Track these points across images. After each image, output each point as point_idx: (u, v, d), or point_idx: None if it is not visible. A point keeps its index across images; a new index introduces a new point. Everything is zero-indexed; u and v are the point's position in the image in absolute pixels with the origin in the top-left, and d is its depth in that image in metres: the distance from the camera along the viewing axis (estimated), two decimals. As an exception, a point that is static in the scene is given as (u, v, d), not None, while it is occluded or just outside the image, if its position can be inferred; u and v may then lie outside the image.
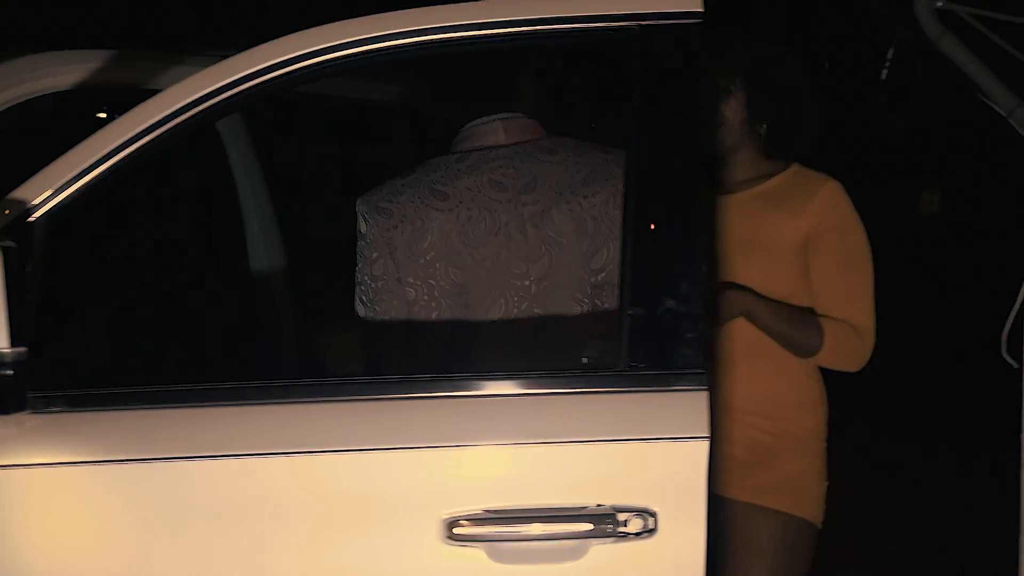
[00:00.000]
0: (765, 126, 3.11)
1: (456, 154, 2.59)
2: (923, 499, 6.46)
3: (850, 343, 3.03)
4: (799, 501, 3.12)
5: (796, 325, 3.01)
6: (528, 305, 2.52)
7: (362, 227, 2.50)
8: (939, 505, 6.39)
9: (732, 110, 3.08)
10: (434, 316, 2.48)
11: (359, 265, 2.52)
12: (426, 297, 2.47)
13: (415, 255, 2.47)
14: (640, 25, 2.18)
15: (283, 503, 2.09)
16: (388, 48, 2.23)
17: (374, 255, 2.50)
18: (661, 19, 2.18)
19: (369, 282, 2.51)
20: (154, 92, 2.23)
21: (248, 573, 2.10)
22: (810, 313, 3.05)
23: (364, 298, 2.52)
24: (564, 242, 2.54)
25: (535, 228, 2.53)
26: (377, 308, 2.50)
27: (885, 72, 4.18)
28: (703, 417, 2.08)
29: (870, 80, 4.28)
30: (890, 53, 4.15)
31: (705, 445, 2.08)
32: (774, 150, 3.14)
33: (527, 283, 2.53)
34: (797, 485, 3.12)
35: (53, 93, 2.58)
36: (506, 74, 2.64)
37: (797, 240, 3.04)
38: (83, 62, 2.65)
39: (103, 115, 2.71)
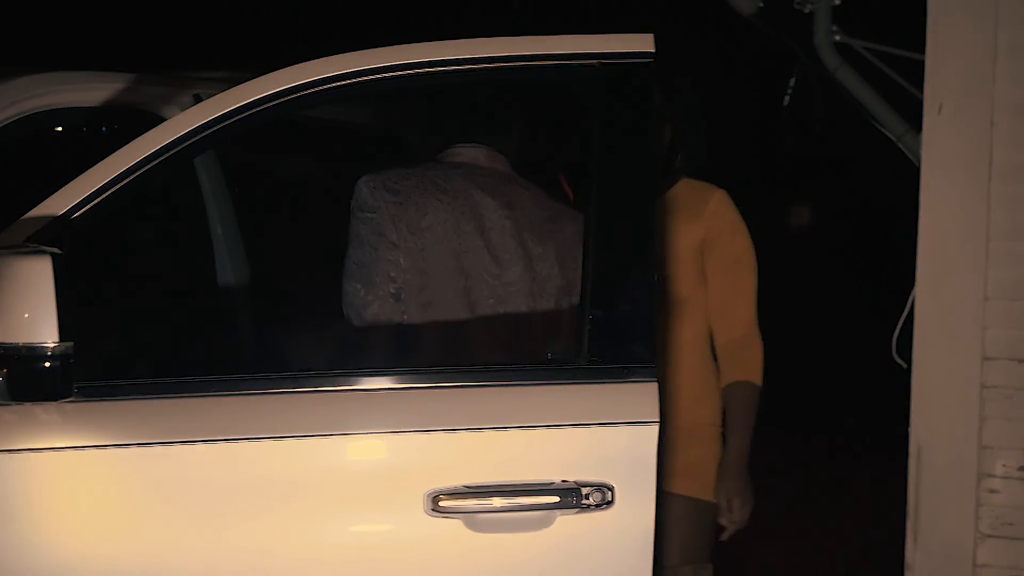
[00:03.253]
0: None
1: (450, 163, 2.93)
2: (819, 487, 6.91)
3: (757, 355, 3.41)
4: (701, 485, 3.44)
5: (752, 411, 3.39)
6: (495, 303, 2.84)
7: (368, 200, 2.78)
8: (834, 492, 6.82)
9: (666, 130, 3.42)
10: (421, 289, 2.79)
11: (358, 234, 2.78)
12: (419, 266, 2.79)
13: (414, 232, 2.78)
14: (601, 63, 2.50)
15: (292, 481, 2.36)
16: (374, 80, 2.51)
17: (375, 222, 2.77)
18: (618, 59, 2.50)
19: (367, 248, 2.77)
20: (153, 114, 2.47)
21: (260, 544, 2.36)
22: (740, 388, 3.40)
23: (357, 262, 2.78)
24: (533, 260, 2.89)
25: (512, 239, 2.86)
26: (371, 271, 2.77)
27: (787, 99, 4.54)
28: (654, 404, 2.40)
29: (773, 107, 4.63)
30: (792, 82, 4.51)
31: (655, 428, 2.40)
32: (680, 169, 3.48)
33: (499, 283, 2.85)
34: (698, 470, 3.43)
35: (55, 109, 2.79)
36: (485, 113, 3.00)
37: (695, 243, 3.40)
38: (90, 82, 2.88)
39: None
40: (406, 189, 2.80)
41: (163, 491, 2.34)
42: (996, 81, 3.61)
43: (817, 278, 11.76)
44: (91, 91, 2.88)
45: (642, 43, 2.51)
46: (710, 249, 3.40)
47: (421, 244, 2.79)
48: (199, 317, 3.17)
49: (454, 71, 2.51)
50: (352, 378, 2.42)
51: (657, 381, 2.42)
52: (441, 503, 2.36)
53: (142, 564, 2.33)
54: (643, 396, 2.41)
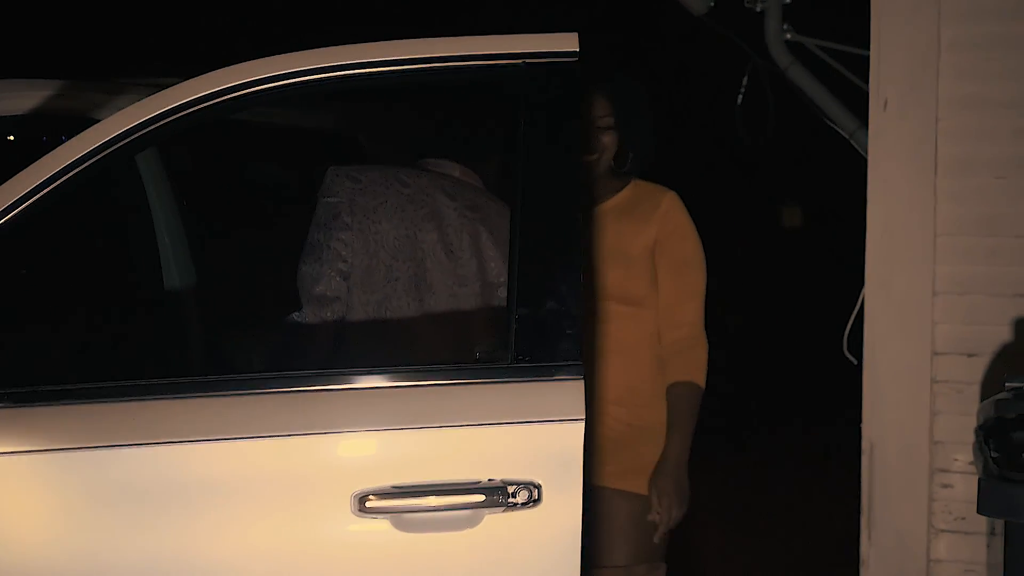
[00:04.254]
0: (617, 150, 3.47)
1: (423, 169, 3.06)
2: (774, 478, 6.97)
3: (701, 357, 3.42)
4: None
5: (694, 412, 3.38)
6: (445, 295, 2.89)
7: (330, 186, 2.91)
8: (789, 485, 6.89)
9: (610, 139, 3.43)
10: (370, 272, 2.86)
11: (317, 216, 2.89)
12: (371, 249, 2.87)
13: (369, 217, 2.88)
14: (525, 63, 2.51)
15: (219, 483, 2.36)
16: (308, 81, 2.51)
17: (332, 205, 2.89)
18: (543, 58, 2.51)
19: (322, 229, 2.88)
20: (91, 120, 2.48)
21: (187, 546, 2.36)
22: (684, 388, 3.39)
23: (312, 242, 2.87)
24: (487, 260, 2.94)
25: (469, 237, 2.93)
26: (322, 250, 2.86)
27: (740, 97, 4.56)
28: (580, 402, 2.40)
29: (726, 106, 4.66)
30: (745, 80, 4.53)
31: (581, 426, 2.39)
32: (630, 171, 3.49)
33: (451, 277, 2.90)
34: (651, 469, 3.40)
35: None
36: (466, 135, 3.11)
37: (648, 244, 3.41)
38: (27, 90, 2.89)
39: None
40: (368, 179, 2.93)
41: (89, 496, 2.34)
42: (940, 76, 3.63)
43: (773, 274, 11.82)
44: (27, 99, 2.89)
45: (567, 42, 2.52)
46: (661, 250, 3.42)
47: (375, 229, 2.88)
48: (141, 322, 3.17)
49: (380, 72, 2.51)
50: (280, 380, 2.42)
51: (584, 379, 2.42)
52: (369, 503, 2.36)
53: (67, 570, 2.33)
54: (570, 394, 2.41)
